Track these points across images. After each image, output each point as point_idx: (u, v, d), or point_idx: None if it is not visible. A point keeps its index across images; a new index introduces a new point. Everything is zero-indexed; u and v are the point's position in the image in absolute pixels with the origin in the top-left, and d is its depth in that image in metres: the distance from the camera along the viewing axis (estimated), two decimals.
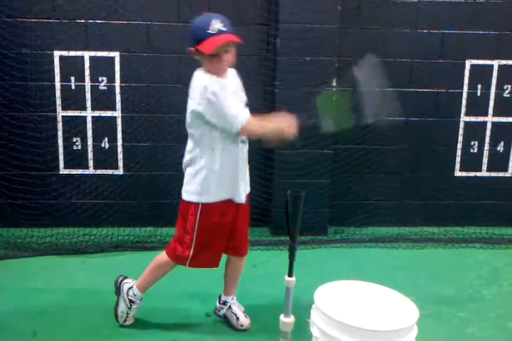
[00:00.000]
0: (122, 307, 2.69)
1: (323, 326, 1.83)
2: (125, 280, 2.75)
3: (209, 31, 2.22)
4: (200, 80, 2.33)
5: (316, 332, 1.88)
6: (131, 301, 2.67)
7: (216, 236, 2.49)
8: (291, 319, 1.83)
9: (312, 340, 1.92)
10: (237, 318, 2.72)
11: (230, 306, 2.77)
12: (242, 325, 2.70)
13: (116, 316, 2.71)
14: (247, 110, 2.36)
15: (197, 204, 2.43)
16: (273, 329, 2.32)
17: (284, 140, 2.38)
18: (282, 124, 2.37)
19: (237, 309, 2.77)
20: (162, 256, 2.63)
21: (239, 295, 2.85)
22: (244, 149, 2.48)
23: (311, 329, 1.91)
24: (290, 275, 1.82)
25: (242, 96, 2.51)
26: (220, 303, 2.83)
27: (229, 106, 2.28)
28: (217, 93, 2.26)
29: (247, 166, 2.55)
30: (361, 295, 2.02)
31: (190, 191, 2.45)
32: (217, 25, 2.23)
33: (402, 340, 1.77)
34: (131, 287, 2.70)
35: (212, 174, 2.39)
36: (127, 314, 2.68)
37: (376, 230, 4.32)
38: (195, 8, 3.99)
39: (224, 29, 2.24)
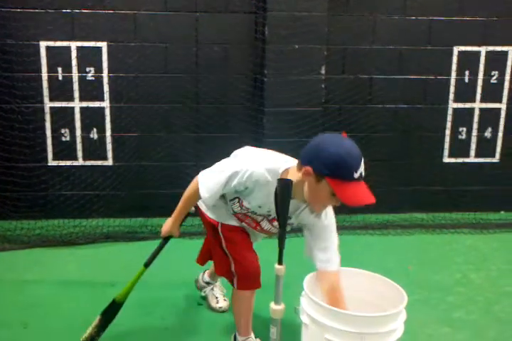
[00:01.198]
0: None
1: (312, 313, 1.85)
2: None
3: (355, 175, 1.81)
4: (252, 160, 2.06)
5: (305, 319, 1.90)
6: None
7: (243, 244, 2.33)
8: (281, 306, 1.84)
9: (302, 327, 1.95)
10: (217, 301, 2.81)
11: (212, 288, 2.85)
12: (220, 307, 2.79)
13: None
14: (208, 192, 2.10)
15: (216, 221, 2.33)
16: (263, 317, 2.36)
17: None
18: (171, 223, 2.37)
19: (219, 291, 2.85)
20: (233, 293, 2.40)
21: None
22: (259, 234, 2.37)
23: (301, 316, 1.93)
24: (280, 263, 1.83)
25: (291, 219, 2.12)
26: (203, 281, 2.89)
27: (217, 174, 2.09)
28: (232, 167, 2.04)
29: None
30: (350, 281, 2.04)
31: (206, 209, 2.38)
32: (361, 170, 1.83)
33: (391, 325, 1.80)
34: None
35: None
36: None
37: (366, 217, 4.34)
38: None
39: (363, 178, 1.86)
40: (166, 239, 2.45)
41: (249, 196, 2.09)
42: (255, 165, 2.00)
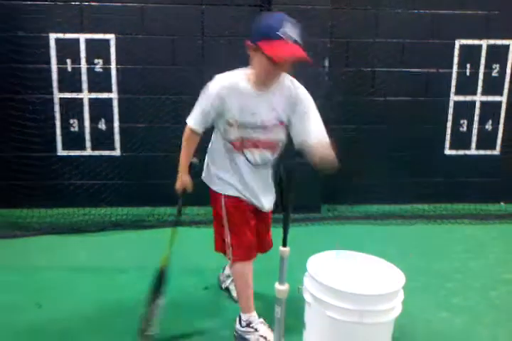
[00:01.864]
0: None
1: (315, 292, 1.94)
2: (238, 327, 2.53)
3: (279, 33, 2.03)
4: (218, 77, 2.31)
5: (308, 298, 1.99)
6: (251, 328, 2.46)
7: (243, 219, 2.42)
8: (286, 286, 1.92)
9: (305, 305, 2.04)
10: None
11: (232, 280, 2.88)
12: None
13: None
14: (195, 123, 2.35)
15: (219, 193, 2.44)
16: (268, 298, 2.45)
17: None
18: (180, 174, 2.48)
19: None
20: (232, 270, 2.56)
21: None
22: (257, 172, 2.40)
23: (304, 295, 2.02)
24: (284, 245, 1.92)
25: (278, 114, 2.30)
26: (223, 277, 2.96)
27: (197, 106, 2.35)
28: (205, 92, 2.31)
29: (266, 186, 2.47)
30: (351, 263, 2.13)
31: (210, 182, 2.49)
32: (289, 29, 2.04)
33: (389, 303, 1.89)
34: (240, 320, 2.50)
35: (216, 174, 2.45)
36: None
37: (368, 207, 4.44)
38: None
39: (296, 39, 2.06)
40: (183, 194, 2.53)
41: (232, 109, 2.25)
42: (219, 80, 2.29)
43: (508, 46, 4.35)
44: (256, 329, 2.44)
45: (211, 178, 2.46)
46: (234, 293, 2.84)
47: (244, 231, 2.38)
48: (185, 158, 2.45)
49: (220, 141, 2.38)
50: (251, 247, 2.41)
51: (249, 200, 2.42)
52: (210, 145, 2.50)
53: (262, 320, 2.49)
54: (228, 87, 2.24)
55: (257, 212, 2.47)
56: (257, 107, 2.24)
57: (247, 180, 2.38)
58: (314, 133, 2.26)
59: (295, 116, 2.30)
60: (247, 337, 2.44)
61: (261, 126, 2.28)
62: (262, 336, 2.41)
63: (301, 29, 2.09)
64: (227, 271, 2.93)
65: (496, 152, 4.58)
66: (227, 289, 2.92)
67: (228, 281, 2.92)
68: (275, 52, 2.04)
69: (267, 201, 2.47)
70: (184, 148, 2.43)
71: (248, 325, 2.46)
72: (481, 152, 4.57)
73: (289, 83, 2.30)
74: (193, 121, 2.36)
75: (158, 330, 2.40)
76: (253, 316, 2.48)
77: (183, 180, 2.48)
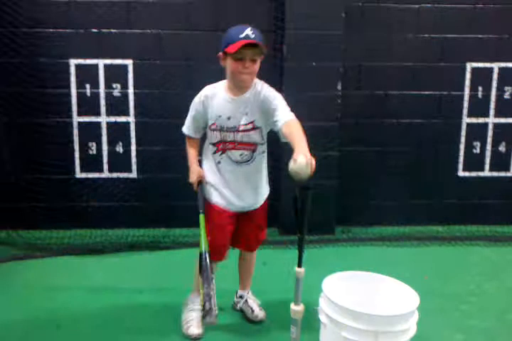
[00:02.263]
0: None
1: (330, 313, 1.97)
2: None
3: (240, 37, 2.31)
4: (205, 87, 2.63)
5: (324, 319, 2.01)
6: (187, 306, 2.82)
7: (218, 224, 2.64)
8: (301, 307, 1.96)
9: (320, 326, 2.06)
10: (253, 311, 2.86)
11: (246, 300, 2.92)
12: (256, 317, 2.85)
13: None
14: (187, 130, 2.74)
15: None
16: (284, 319, 2.46)
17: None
18: (190, 169, 2.73)
19: (253, 302, 2.91)
20: None
21: (252, 290, 2.99)
22: (239, 169, 2.60)
23: (320, 316, 2.05)
24: (299, 266, 1.96)
25: (251, 118, 2.51)
26: (236, 298, 2.98)
27: (188, 114, 2.70)
28: (192, 103, 2.65)
29: (250, 183, 2.65)
30: (366, 283, 2.15)
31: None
32: (249, 33, 2.32)
33: (404, 324, 1.90)
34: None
35: (206, 176, 2.68)
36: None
37: (382, 229, 4.44)
38: (205, 17, 4.17)
39: (252, 35, 2.33)
40: (199, 185, 2.70)
41: (212, 114, 2.54)
42: (204, 89, 2.60)
43: None
44: (187, 311, 2.75)
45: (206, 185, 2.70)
46: (248, 313, 2.89)
47: (216, 235, 2.62)
48: (190, 157, 2.75)
49: (208, 145, 2.65)
50: (219, 250, 2.65)
51: (231, 202, 2.62)
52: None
53: (198, 306, 2.64)
54: (209, 94, 2.55)
55: (241, 213, 2.68)
56: (232, 112, 2.50)
57: (230, 179, 2.60)
58: (282, 119, 2.39)
59: (269, 114, 2.46)
60: (184, 310, 2.77)
61: (237, 129, 2.51)
62: (187, 319, 2.70)
63: (259, 33, 2.37)
64: (240, 292, 2.97)
65: (510, 173, 4.57)
66: (241, 310, 2.95)
67: (242, 302, 2.94)
68: (234, 47, 2.30)
69: (250, 200, 2.67)
70: (187, 152, 2.77)
71: (187, 302, 2.78)
72: (495, 174, 4.57)
73: (260, 87, 2.51)
74: (186, 127, 2.74)
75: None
76: (193, 298, 2.76)
77: (193, 169, 2.71)
